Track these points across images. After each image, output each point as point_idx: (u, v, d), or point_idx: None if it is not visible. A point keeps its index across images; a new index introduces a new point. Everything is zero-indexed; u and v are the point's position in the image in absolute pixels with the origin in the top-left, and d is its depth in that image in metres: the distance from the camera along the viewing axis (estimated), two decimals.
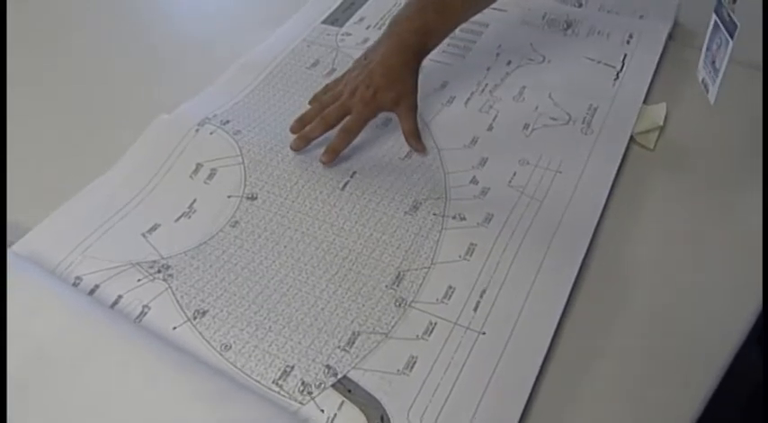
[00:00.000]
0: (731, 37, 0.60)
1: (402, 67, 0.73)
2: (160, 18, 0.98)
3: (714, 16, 0.63)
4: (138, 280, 0.62)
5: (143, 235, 0.66)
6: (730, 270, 0.64)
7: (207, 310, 0.60)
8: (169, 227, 0.67)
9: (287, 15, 0.94)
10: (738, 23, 0.59)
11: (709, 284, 0.63)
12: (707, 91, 0.66)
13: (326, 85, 0.79)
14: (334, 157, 0.72)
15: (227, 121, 0.77)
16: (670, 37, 0.89)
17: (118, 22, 0.97)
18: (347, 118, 0.73)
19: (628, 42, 0.87)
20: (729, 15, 0.60)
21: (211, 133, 0.75)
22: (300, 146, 0.73)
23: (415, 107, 0.74)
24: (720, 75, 0.63)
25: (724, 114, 0.78)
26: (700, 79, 0.68)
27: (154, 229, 0.67)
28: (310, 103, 0.78)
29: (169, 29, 0.96)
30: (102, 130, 0.79)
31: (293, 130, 0.74)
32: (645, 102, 0.79)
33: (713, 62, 0.65)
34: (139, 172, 0.72)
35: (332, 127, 0.73)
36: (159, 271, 0.63)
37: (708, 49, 0.66)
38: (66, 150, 0.77)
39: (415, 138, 0.74)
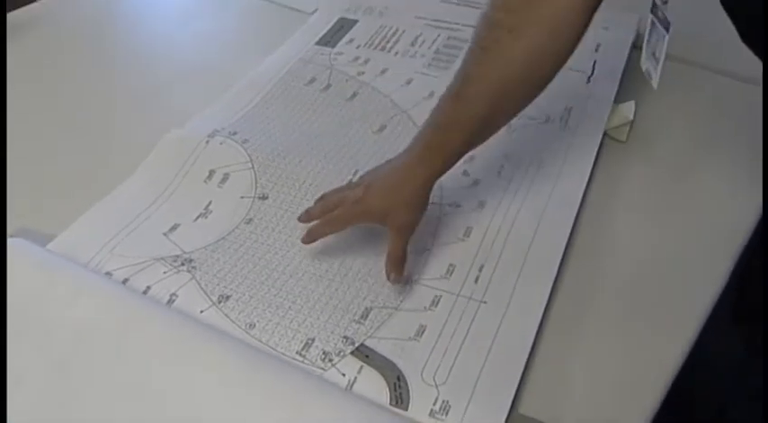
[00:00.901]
0: (667, 31, 0.69)
1: (407, 178, 0.65)
2: (164, 45, 1.05)
3: (651, 15, 0.71)
4: (164, 272, 0.67)
5: (164, 234, 0.72)
6: (699, 245, 0.71)
7: (230, 295, 0.65)
8: (188, 226, 0.73)
9: (281, 40, 1.02)
10: (671, 20, 0.68)
11: (681, 260, 0.70)
12: (650, 78, 0.75)
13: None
14: (309, 240, 0.68)
15: (236, 132, 0.83)
16: (634, 45, 0.97)
17: (125, 49, 1.04)
18: (337, 211, 0.67)
19: (596, 50, 0.96)
20: (663, 14, 0.69)
21: (221, 143, 0.82)
22: (303, 220, 0.70)
23: (405, 228, 0.65)
24: (660, 64, 0.72)
25: (683, 110, 0.87)
26: (644, 69, 0.77)
27: (174, 228, 0.72)
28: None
29: (173, 55, 1.02)
30: (116, 146, 0.85)
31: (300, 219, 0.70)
32: (615, 101, 0.87)
33: (653, 54, 0.73)
34: (156, 180, 0.78)
35: (330, 211, 0.68)
36: (183, 264, 0.68)
37: (648, 42, 0.74)
38: (85, 165, 0.82)
39: (394, 264, 0.64)
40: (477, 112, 0.64)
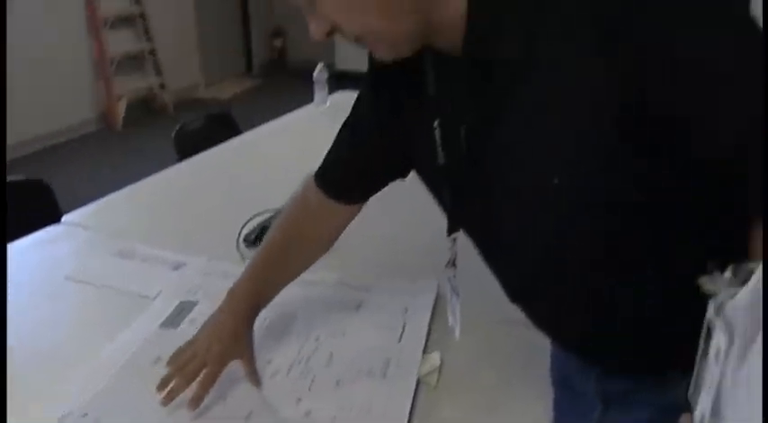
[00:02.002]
0: (458, 296, 0.89)
1: (239, 326, 0.98)
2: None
3: (448, 284, 0.91)
4: None
5: None
6: None
7: None
8: None
9: (126, 324, 1.11)
10: (459, 288, 0.88)
11: None
12: (454, 331, 0.93)
13: (180, 348, 0.97)
14: (198, 404, 0.89)
15: (86, 414, 0.89)
16: (434, 306, 1.17)
17: None
18: (204, 370, 0.91)
19: (405, 312, 1.14)
20: (455, 284, 0.89)
21: None
22: (168, 402, 0.89)
23: (252, 356, 0.98)
24: (458, 319, 0.91)
25: (480, 354, 1.04)
26: (449, 324, 0.95)
27: None
28: (168, 364, 0.95)
29: (17, 341, 1.08)
30: None
31: (159, 389, 0.91)
32: (424, 351, 1.03)
33: (453, 311, 0.92)
34: None
35: (192, 381, 0.91)
36: None
37: (450, 306, 0.94)
38: None
39: (254, 377, 0.96)
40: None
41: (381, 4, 0.62)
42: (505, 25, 0.62)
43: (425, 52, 0.70)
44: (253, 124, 2.29)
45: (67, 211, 1.63)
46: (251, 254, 1.39)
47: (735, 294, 0.44)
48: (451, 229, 0.80)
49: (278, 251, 1.03)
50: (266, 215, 1.46)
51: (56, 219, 1.59)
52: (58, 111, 4.65)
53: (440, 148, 0.73)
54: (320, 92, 2.35)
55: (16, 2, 4.23)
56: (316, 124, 2.23)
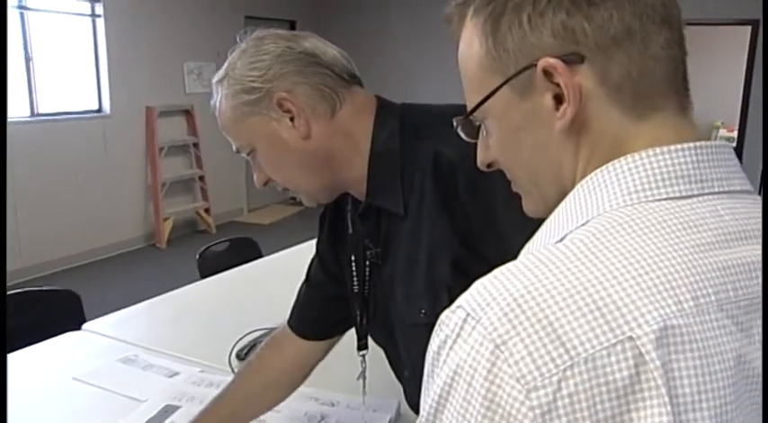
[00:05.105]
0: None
1: None
2: None
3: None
4: None
5: None
6: None
7: None
8: None
9: (117, 422, 1.26)
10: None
11: None
12: None
13: None
14: None
15: None
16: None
17: None
18: None
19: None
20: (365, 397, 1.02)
21: None
22: None
23: None
24: None
25: None
26: None
27: None
28: None
29: None
30: None
31: None
32: None
33: None
34: None
35: None
36: None
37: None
38: None
39: None
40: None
41: (299, 164, 0.83)
42: (390, 187, 0.81)
43: (347, 197, 0.90)
44: (278, 249, 2.49)
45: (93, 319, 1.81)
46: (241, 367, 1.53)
47: None
48: (360, 347, 0.95)
49: (243, 384, 1.13)
50: (258, 333, 1.62)
51: (79, 326, 1.77)
52: (111, 227, 5.00)
53: (355, 278, 0.90)
54: None
55: (86, 130, 4.68)
56: None
